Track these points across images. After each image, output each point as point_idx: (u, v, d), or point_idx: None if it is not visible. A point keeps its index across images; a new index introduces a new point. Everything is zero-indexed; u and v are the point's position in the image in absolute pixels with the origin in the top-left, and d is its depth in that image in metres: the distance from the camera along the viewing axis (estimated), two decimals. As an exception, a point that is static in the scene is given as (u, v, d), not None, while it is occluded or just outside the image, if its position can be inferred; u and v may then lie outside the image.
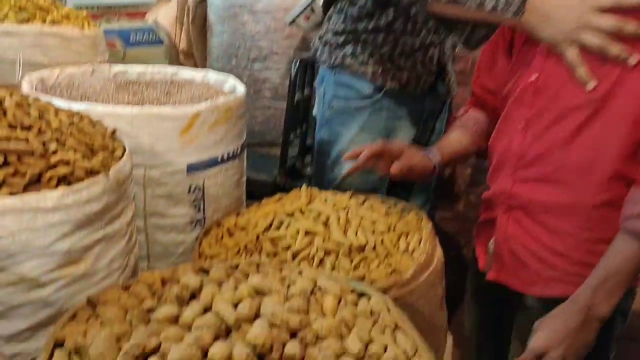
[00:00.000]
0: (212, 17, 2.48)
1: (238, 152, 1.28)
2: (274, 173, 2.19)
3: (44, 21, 1.39)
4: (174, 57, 2.58)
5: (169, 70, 1.51)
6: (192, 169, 1.18)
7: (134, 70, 1.48)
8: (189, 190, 1.19)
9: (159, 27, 2.54)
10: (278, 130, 2.30)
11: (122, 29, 2.61)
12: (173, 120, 1.12)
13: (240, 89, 1.33)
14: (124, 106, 1.12)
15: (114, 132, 0.99)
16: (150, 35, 2.65)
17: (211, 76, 1.47)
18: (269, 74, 2.32)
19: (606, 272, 1.04)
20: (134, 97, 1.27)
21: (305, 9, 1.97)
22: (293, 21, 2.01)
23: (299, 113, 2.20)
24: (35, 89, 1.26)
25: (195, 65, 2.64)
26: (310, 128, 2.28)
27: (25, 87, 1.22)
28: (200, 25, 2.60)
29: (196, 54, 2.60)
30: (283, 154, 2.17)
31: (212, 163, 1.21)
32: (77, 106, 1.06)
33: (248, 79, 2.36)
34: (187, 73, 1.49)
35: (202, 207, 1.22)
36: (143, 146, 1.11)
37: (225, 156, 1.24)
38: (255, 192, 1.53)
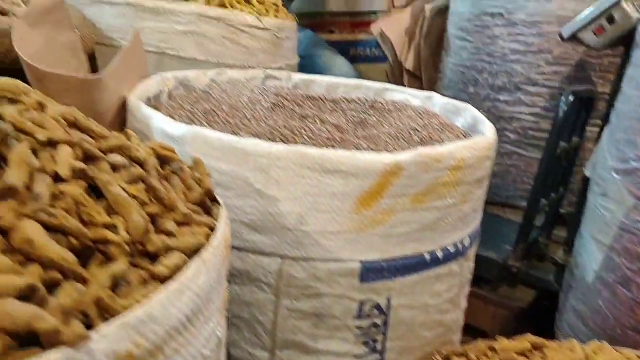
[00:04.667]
0: (452, 31, 1.87)
1: (466, 246, 0.66)
2: (504, 248, 1.48)
3: (210, 1, 0.95)
4: (398, 78, 2.04)
5: (374, 86, 0.95)
6: (370, 272, 0.59)
7: (324, 82, 0.95)
8: (360, 311, 0.60)
9: (384, 40, 2.03)
10: (520, 188, 1.60)
11: (341, 40, 2.16)
12: (347, 176, 0.55)
13: (489, 128, 0.71)
14: (268, 142, 0.58)
15: (209, 192, 0.45)
16: (373, 50, 2.15)
17: (437, 101, 0.87)
18: (519, 109, 1.63)
19: None
20: (296, 121, 0.72)
21: (597, 17, 1.26)
22: (574, 36, 1.31)
23: (559, 168, 1.47)
24: (169, 96, 0.81)
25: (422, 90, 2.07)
26: (571, 193, 1.55)
27: (153, 89, 0.77)
28: (435, 41, 2.02)
29: (424, 75, 2.02)
30: (526, 224, 1.45)
31: (412, 266, 0.60)
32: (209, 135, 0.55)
33: (488, 114, 1.70)
34: (399, 94, 0.92)
35: (379, 343, 0.62)
36: (282, 219, 0.56)
37: (441, 254, 0.62)
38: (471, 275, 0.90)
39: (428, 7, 1.97)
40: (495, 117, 1.71)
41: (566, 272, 1.27)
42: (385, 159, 0.55)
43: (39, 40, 0.66)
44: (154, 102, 0.76)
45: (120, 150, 0.40)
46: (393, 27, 2.03)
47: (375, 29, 2.05)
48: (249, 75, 0.93)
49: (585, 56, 1.54)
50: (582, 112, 1.45)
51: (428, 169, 0.57)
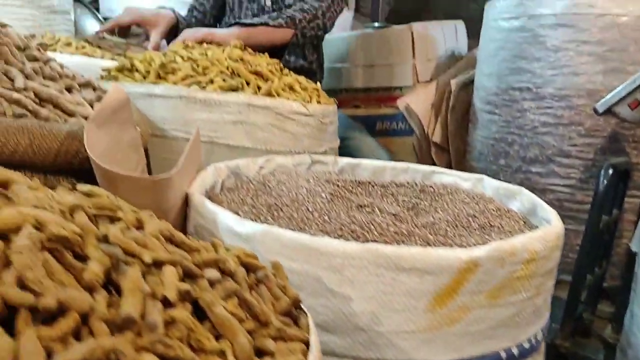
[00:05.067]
0: (479, 104, 1.90)
1: (539, 340, 0.64)
2: (551, 326, 1.43)
3: (257, 90, 0.97)
4: (425, 151, 2.06)
5: (421, 169, 0.95)
6: (447, 372, 0.57)
7: (369, 165, 0.96)
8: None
9: (411, 114, 2.06)
10: (560, 261, 1.56)
11: (368, 114, 2.20)
12: (422, 273, 0.54)
13: (552, 214, 0.70)
14: (339, 240, 0.57)
15: (296, 301, 0.44)
16: (400, 124, 2.19)
17: (489, 184, 0.87)
18: (553, 181, 1.62)
19: None
20: (356, 212, 0.72)
21: (632, 91, 1.27)
22: (609, 109, 1.32)
23: (601, 242, 1.45)
24: (221, 187, 0.82)
25: (449, 163, 2.08)
26: (612, 266, 1.52)
27: (209, 180, 0.78)
28: (461, 114, 2.05)
29: (452, 148, 2.04)
30: (572, 299, 1.41)
31: (489, 365, 0.58)
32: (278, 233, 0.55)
33: (520, 185, 1.69)
34: (448, 177, 0.92)
35: None
36: (355, 318, 0.55)
37: (516, 350, 0.60)
38: None
39: (454, 82, 2.01)
40: (528, 189, 1.69)
41: (617, 352, 1.22)
42: (462, 255, 0.54)
43: (105, 139, 0.67)
44: (211, 194, 0.76)
45: (214, 264, 0.39)
46: (419, 101, 2.07)
47: (401, 103, 2.09)
48: (296, 161, 0.94)
49: (618, 127, 1.55)
50: (619, 184, 1.45)
51: (503, 264, 0.55)
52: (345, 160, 0.96)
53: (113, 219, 0.38)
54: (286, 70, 1.13)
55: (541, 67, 1.72)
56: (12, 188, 0.36)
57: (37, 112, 0.65)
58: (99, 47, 1.34)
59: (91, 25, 1.97)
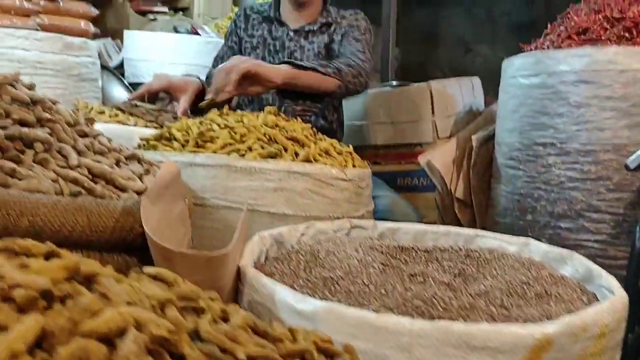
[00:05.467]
0: (502, 160, 1.90)
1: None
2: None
3: (294, 157, 0.98)
4: (448, 207, 2.05)
5: (463, 232, 0.94)
6: None
7: (410, 229, 0.95)
8: None
9: (432, 170, 2.07)
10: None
11: (389, 171, 2.21)
12: (494, 353, 0.52)
13: (612, 283, 0.68)
14: (406, 318, 0.56)
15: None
16: (422, 180, 2.19)
17: (537, 248, 0.85)
18: (584, 237, 1.60)
19: None
20: (410, 283, 0.70)
21: (663, 147, 1.27)
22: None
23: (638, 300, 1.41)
24: (266, 257, 0.81)
25: (473, 219, 2.06)
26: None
27: (255, 251, 0.77)
28: (483, 169, 2.05)
29: (475, 203, 2.03)
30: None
31: None
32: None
33: (550, 241, 1.67)
34: (493, 240, 0.91)
35: None
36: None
37: None
38: None
39: (474, 137, 2.02)
40: (558, 245, 1.67)
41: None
42: (534, 332, 0.52)
43: (157, 214, 0.67)
44: (258, 265, 0.76)
45: (300, 355, 0.38)
46: (440, 158, 2.07)
47: (422, 159, 2.10)
48: (336, 227, 0.94)
49: (646, 182, 1.53)
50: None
51: (576, 340, 0.54)
52: (385, 225, 0.95)
53: (198, 311, 0.37)
54: (320, 134, 1.14)
55: (564, 122, 1.72)
56: (100, 281, 0.36)
57: (92, 189, 0.65)
58: (131, 114, 1.37)
59: (118, 91, 2.02)
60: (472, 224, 2.08)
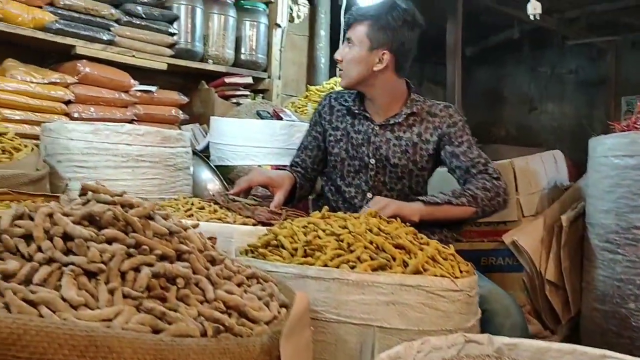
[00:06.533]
0: (596, 241, 1.82)
1: None
2: None
3: (403, 266, 0.97)
4: (538, 288, 1.97)
5: (588, 352, 0.89)
6: None
7: (530, 347, 0.91)
8: None
9: (519, 251, 2.00)
10: None
11: (472, 249, 2.17)
12: None
13: None
14: None
15: None
16: (506, 259, 2.13)
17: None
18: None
19: None
20: None
21: None
22: None
23: None
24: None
25: (566, 302, 1.97)
26: None
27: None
28: (574, 249, 1.98)
29: (569, 287, 1.94)
30: None
31: None
32: None
33: (657, 331, 1.57)
34: None
35: None
36: None
37: None
38: None
39: (564, 217, 1.96)
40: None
41: None
42: None
43: (290, 349, 0.68)
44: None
45: None
46: (527, 237, 2.01)
47: (507, 238, 2.04)
48: (450, 342, 0.92)
49: None
50: None
51: None
52: (501, 340, 0.92)
53: None
54: (422, 237, 1.13)
55: (665, 206, 1.65)
56: None
57: (231, 327, 0.67)
58: (228, 209, 1.41)
59: (205, 174, 2.10)
60: (565, 307, 1.99)
